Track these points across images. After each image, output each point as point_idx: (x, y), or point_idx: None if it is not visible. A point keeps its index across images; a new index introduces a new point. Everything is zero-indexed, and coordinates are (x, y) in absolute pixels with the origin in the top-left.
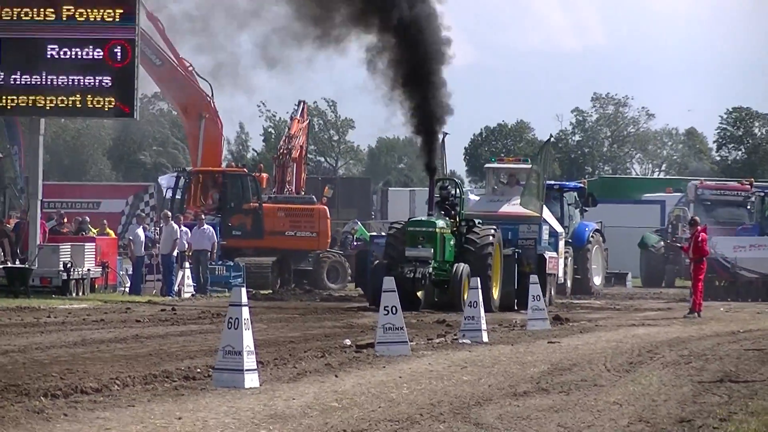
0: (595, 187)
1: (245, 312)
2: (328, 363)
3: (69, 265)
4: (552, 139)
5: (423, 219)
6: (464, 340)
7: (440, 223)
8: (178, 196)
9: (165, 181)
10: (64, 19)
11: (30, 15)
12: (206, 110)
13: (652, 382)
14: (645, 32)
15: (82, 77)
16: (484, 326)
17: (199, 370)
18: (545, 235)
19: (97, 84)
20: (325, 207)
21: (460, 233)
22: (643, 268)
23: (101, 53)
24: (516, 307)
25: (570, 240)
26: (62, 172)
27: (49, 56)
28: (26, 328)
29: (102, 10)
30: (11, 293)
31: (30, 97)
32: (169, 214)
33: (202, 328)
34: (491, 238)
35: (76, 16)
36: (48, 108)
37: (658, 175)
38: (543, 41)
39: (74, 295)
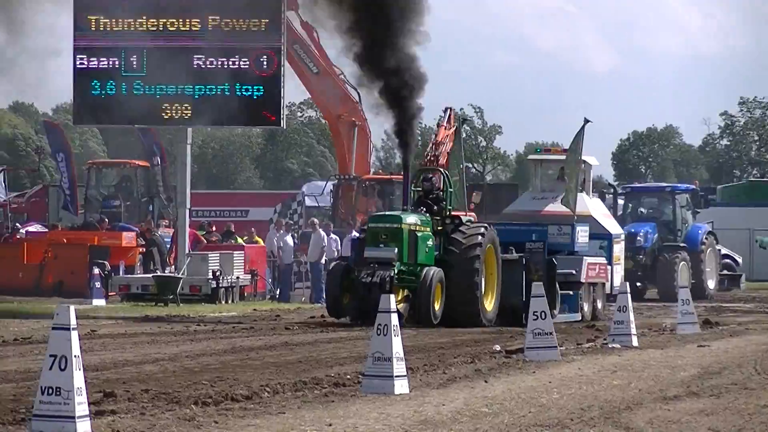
0: (743, 191)
1: (394, 318)
2: (478, 368)
3: (218, 273)
4: (589, 122)
5: (387, 213)
6: (614, 345)
7: (410, 218)
8: (323, 204)
9: (310, 188)
10: (210, 28)
11: (176, 25)
12: (357, 118)
13: None
14: None
15: (228, 86)
16: (633, 330)
17: (348, 376)
18: (582, 238)
19: (243, 93)
20: (473, 213)
21: (446, 233)
22: None
23: (247, 62)
24: (524, 321)
25: (684, 243)
26: (210, 180)
27: (195, 66)
28: (176, 337)
29: (248, 20)
30: (161, 302)
31: (176, 107)
32: (317, 221)
33: (351, 334)
34: (480, 237)
35: (222, 26)
36: (195, 118)
37: None
38: (682, 44)
39: (223, 303)
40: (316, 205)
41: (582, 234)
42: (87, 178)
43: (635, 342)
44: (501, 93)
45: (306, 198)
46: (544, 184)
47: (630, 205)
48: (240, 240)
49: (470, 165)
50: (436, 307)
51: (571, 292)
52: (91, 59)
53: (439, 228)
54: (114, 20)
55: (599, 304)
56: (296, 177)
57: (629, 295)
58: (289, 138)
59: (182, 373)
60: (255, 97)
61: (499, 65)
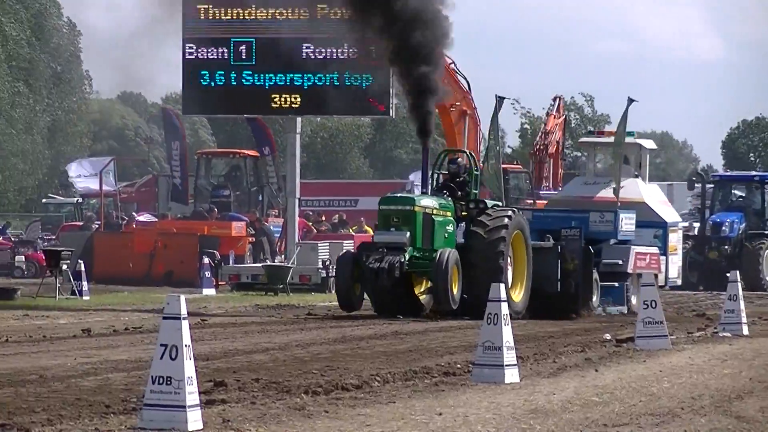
0: None
1: (504, 308)
2: (588, 357)
3: (328, 263)
4: (633, 101)
5: (399, 195)
6: (724, 334)
7: (425, 201)
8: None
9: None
10: (319, 18)
11: (285, 15)
12: (467, 106)
13: None
14: None
15: (337, 76)
16: (744, 319)
17: (458, 365)
18: (626, 225)
19: (352, 82)
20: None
21: (471, 218)
22: None
23: (357, 51)
24: (559, 312)
25: None
26: (320, 170)
27: (304, 56)
28: (286, 326)
29: None
30: (271, 291)
31: (285, 97)
32: None
33: (462, 323)
34: (506, 220)
35: (330, 15)
36: (304, 107)
37: None
38: None
39: (333, 292)
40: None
41: (627, 221)
42: (197, 167)
43: (746, 331)
44: (610, 81)
45: (415, 187)
46: (598, 168)
47: (720, 193)
48: (350, 230)
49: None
50: (455, 290)
51: (616, 284)
52: (200, 49)
53: (464, 213)
54: (223, 10)
55: None
56: (405, 165)
57: (739, 284)
58: (398, 127)
59: (292, 363)
60: (364, 87)
61: (608, 53)
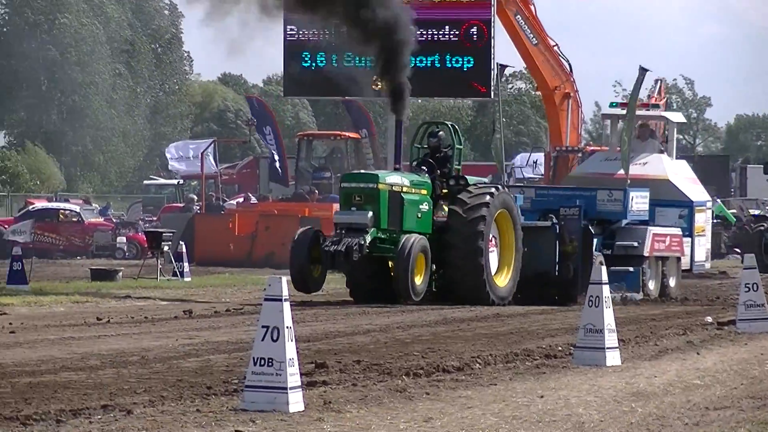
0: None
1: (605, 290)
2: (690, 340)
3: None
4: (647, 71)
5: (362, 172)
6: None
7: (392, 178)
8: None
9: (518, 160)
10: (421, 0)
11: None
12: (570, 89)
13: None
14: None
15: (438, 58)
16: None
17: (560, 348)
18: (638, 205)
19: (453, 65)
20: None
21: (452, 195)
22: None
23: (458, 34)
24: (556, 298)
25: None
26: None
27: None
28: (387, 308)
29: None
30: None
31: None
32: None
33: (562, 306)
34: (488, 197)
35: None
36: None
37: None
38: None
39: None
40: (525, 176)
41: (638, 200)
42: (297, 149)
43: None
44: (710, 64)
45: (516, 170)
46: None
47: None
48: None
49: (682, 137)
50: (417, 281)
51: (631, 268)
52: (301, 31)
53: (444, 191)
54: None
55: (672, 282)
56: (507, 148)
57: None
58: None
59: (393, 344)
60: (465, 69)
61: (708, 36)
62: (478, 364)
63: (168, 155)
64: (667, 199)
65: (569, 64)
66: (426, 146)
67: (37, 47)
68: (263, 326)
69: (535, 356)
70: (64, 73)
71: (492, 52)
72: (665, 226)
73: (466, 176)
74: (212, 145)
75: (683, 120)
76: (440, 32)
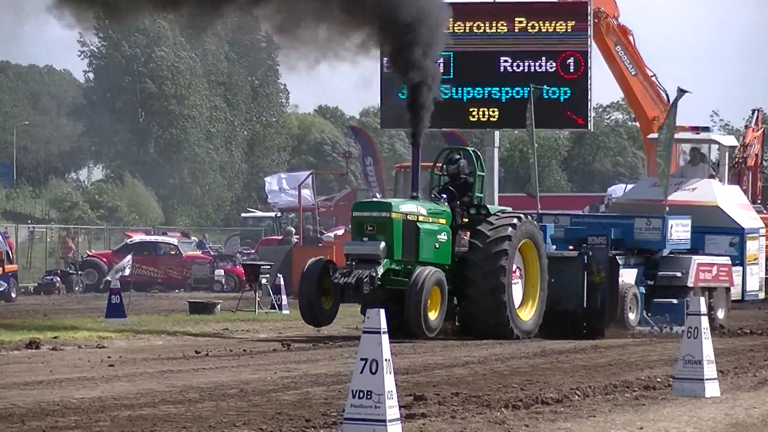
0: None
1: (704, 321)
2: None
3: None
4: (685, 92)
5: (375, 200)
6: None
7: (407, 206)
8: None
9: (615, 191)
10: (517, 31)
11: (482, 28)
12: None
13: None
14: None
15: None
16: None
17: (659, 379)
18: (678, 233)
19: (550, 96)
20: None
21: (473, 225)
22: None
23: (554, 65)
24: (585, 331)
25: None
26: (518, 183)
27: (502, 69)
28: (485, 340)
29: (554, 22)
30: None
31: (483, 110)
32: None
33: (661, 337)
34: (510, 229)
35: (528, 28)
36: (502, 120)
37: None
38: None
39: None
40: None
41: (679, 228)
42: (395, 181)
43: None
44: None
45: (611, 200)
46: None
47: None
48: None
49: None
50: (431, 316)
51: (674, 300)
52: None
53: (465, 220)
54: None
55: (720, 314)
56: (605, 178)
57: None
58: (598, 140)
59: (492, 376)
60: (562, 100)
61: None
62: (577, 396)
63: (267, 188)
64: (717, 226)
65: (666, 95)
66: (446, 173)
67: (134, 80)
68: (362, 359)
69: (634, 388)
70: (161, 106)
71: (588, 83)
72: (714, 254)
73: (487, 205)
74: (310, 177)
75: (736, 143)
76: (537, 62)
